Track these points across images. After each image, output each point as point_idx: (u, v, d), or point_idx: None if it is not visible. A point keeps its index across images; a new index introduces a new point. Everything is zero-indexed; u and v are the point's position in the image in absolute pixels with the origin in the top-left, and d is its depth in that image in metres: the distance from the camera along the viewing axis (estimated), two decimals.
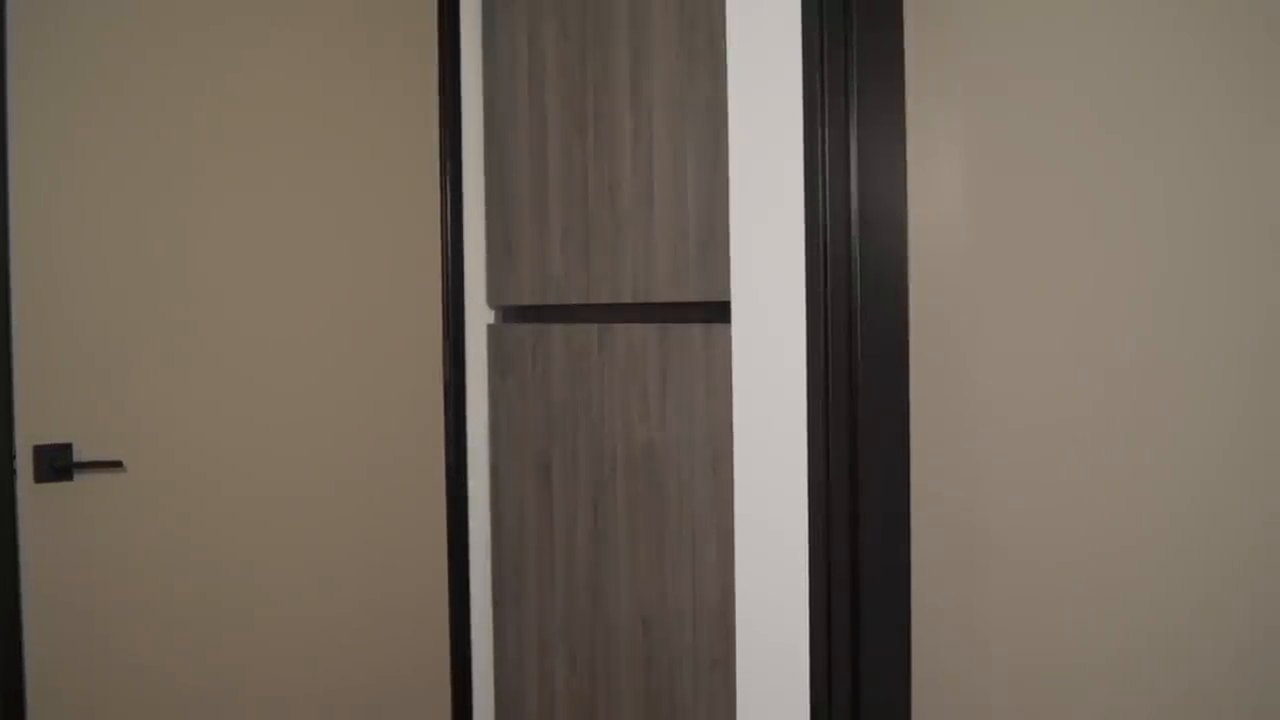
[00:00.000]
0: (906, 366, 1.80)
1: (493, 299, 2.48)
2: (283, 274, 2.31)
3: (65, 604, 2.07)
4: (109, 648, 2.11)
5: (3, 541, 1.98)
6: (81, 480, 2.09)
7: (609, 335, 2.19)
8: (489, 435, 2.51)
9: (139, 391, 2.14)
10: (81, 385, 2.08)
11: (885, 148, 1.78)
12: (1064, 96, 2.00)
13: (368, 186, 2.41)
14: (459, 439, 2.50)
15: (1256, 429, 1.90)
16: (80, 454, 2.09)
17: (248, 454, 2.27)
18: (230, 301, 2.25)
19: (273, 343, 2.30)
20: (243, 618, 2.26)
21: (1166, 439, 1.95)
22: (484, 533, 2.53)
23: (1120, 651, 1.99)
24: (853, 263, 1.75)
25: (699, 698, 2.02)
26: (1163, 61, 1.94)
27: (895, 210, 1.79)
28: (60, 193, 2.07)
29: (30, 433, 2.04)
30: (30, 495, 2.03)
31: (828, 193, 1.74)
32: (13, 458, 2.00)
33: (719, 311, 2.01)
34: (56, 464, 2.05)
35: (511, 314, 2.49)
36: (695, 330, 2.01)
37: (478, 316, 2.52)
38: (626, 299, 2.15)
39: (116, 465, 2.10)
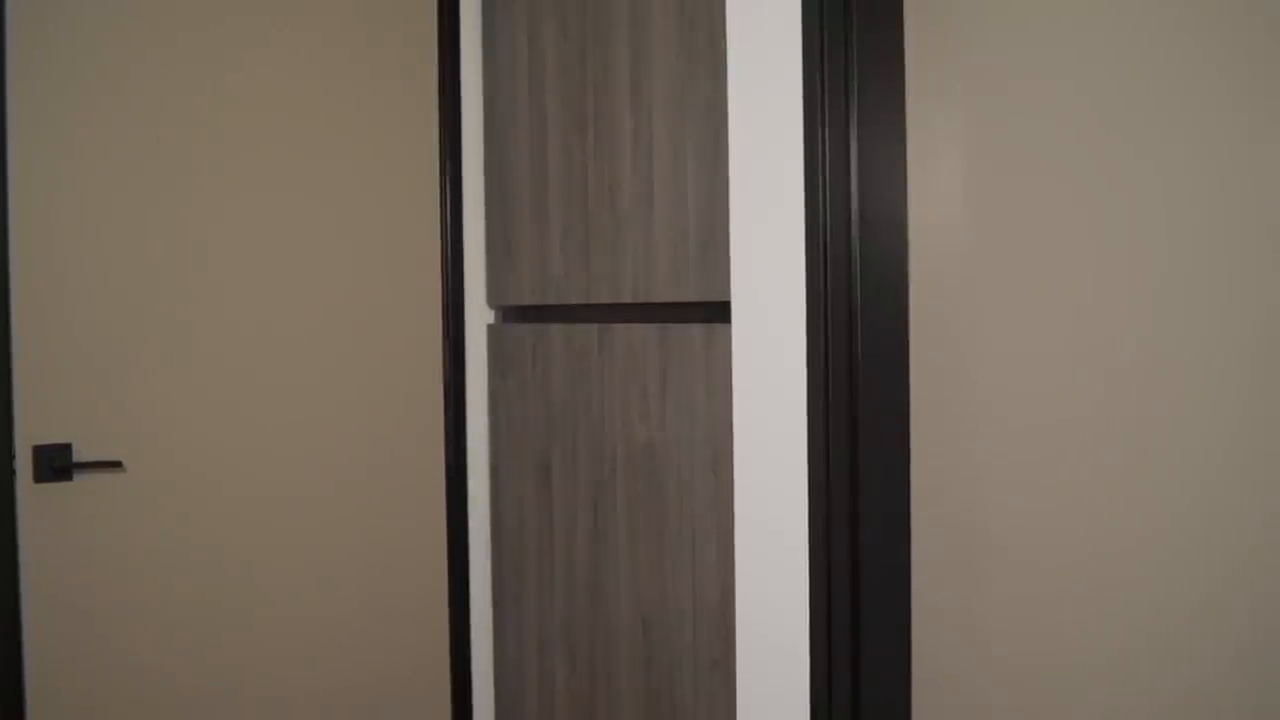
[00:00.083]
0: (906, 366, 1.80)
1: (493, 299, 2.48)
2: (282, 274, 2.31)
3: (65, 604, 2.07)
4: (108, 648, 2.11)
5: (2, 542, 1.98)
6: (81, 480, 2.08)
7: (609, 335, 2.19)
8: (489, 435, 2.51)
9: (138, 392, 2.14)
10: (81, 385, 2.08)
11: (885, 148, 1.78)
12: (1064, 96, 2.00)
13: (368, 186, 2.41)
14: (459, 439, 2.50)
15: (1256, 429, 1.90)
16: (80, 454, 2.09)
17: (248, 454, 2.27)
18: (230, 301, 2.24)
19: (272, 342, 2.29)
20: (243, 618, 2.26)
21: (1166, 439, 1.95)
22: (484, 533, 2.53)
23: (1120, 651, 1.99)
24: (853, 263, 1.75)
25: (699, 698, 2.02)
26: (1163, 61, 1.94)
27: (895, 210, 1.79)
28: (60, 193, 2.07)
29: (30, 433, 2.03)
30: (30, 495, 2.03)
31: (828, 193, 1.74)
32: (12, 458, 2.00)
33: (719, 311, 2.01)
34: (56, 464, 2.05)
35: (511, 314, 2.49)
36: (695, 330, 2.01)
37: (478, 316, 2.52)
38: (626, 299, 2.14)
39: (116, 465, 2.10)
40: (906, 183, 1.80)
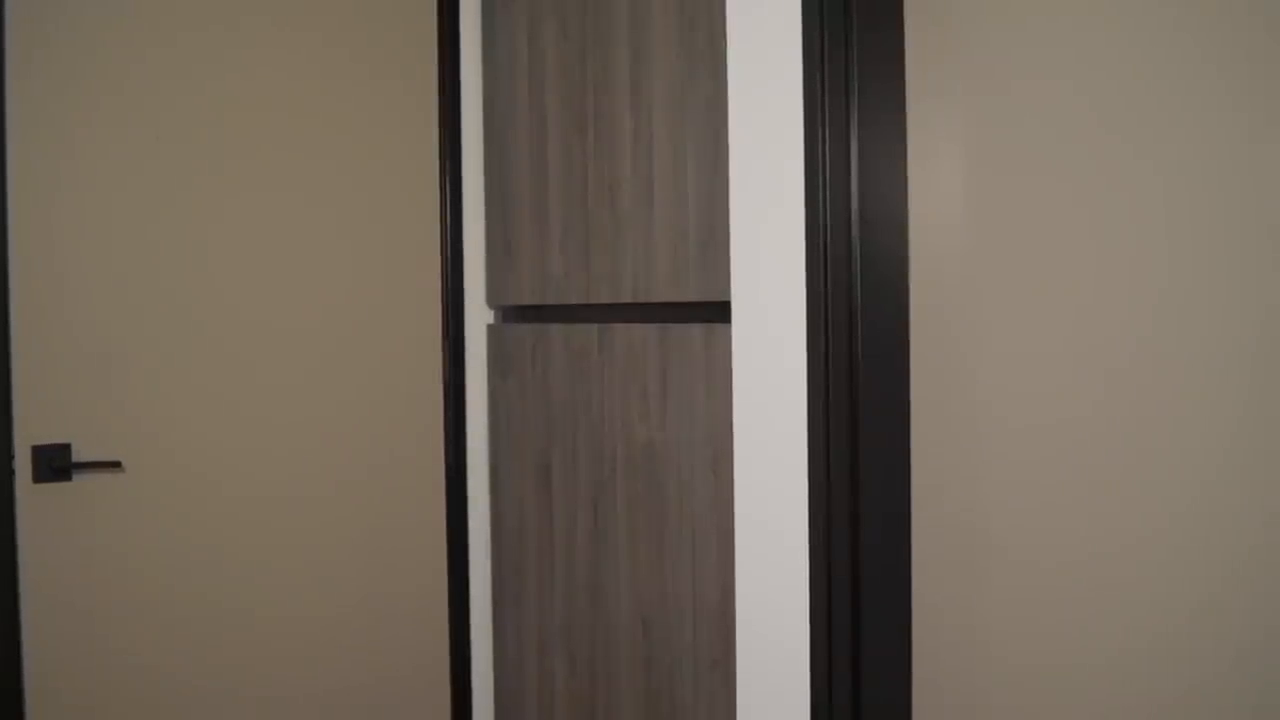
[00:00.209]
0: (907, 366, 1.80)
1: (492, 299, 2.48)
2: (282, 273, 2.30)
3: (64, 604, 2.06)
4: (108, 648, 2.11)
5: (1, 542, 1.98)
6: (80, 480, 2.08)
7: (609, 335, 2.19)
8: (489, 435, 2.51)
9: (138, 392, 2.14)
10: (80, 385, 2.08)
11: (886, 148, 1.78)
12: (1064, 96, 2.00)
13: (367, 186, 2.41)
14: (459, 439, 2.49)
15: (1256, 429, 1.90)
16: (79, 454, 2.08)
17: (247, 454, 2.26)
18: (230, 301, 2.24)
19: (272, 342, 2.29)
20: (242, 618, 2.26)
21: (1166, 439, 1.95)
22: (484, 533, 2.53)
23: (1120, 651, 1.99)
24: (853, 263, 1.75)
25: (699, 698, 2.02)
26: (1163, 61, 1.94)
27: (896, 210, 1.79)
28: (59, 193, 2.07)
29: (29, 433, 2.03)
30: (29, 496, 2.03)
31: (828, 193, 1.74)
32: (11, 458, 2.00)
33: (719, 311, 2.01)
34: (55, 464, 2.04)
35: (511, 314, 2.49)
36: (695, 330, 2.00)
37: (477, 316, 2.52)
38: (626, 299, 2.14)
39: (115, 466, 2.10)
40: (907, 183, 1.80)
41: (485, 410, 2.52)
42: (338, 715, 2.38)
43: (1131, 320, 1.97)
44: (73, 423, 2.08)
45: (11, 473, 2.00)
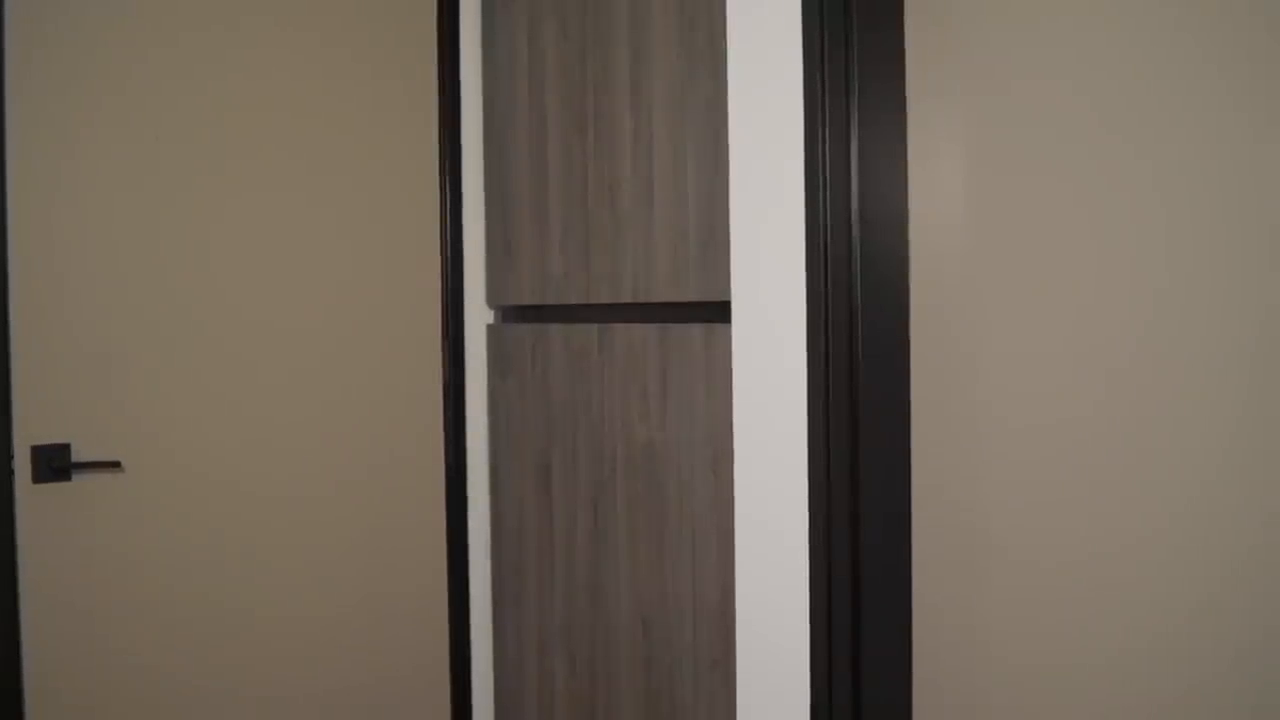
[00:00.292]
0: (907, 366, 1.80)
1: (492, 299, 2.48)
2: (282, 273, 2.30)
3: (63, 604, 2.06)
4: (107, 648, 2.11)
5: (1, 542, 1.98)
6: (80, 480, 2.08)
7: (609, 335, 2.19)
8: (489, 435, 2.51)
9: (137, 392, 2.14)
10: (80, 385, 2.08)
11: (886, 147, 1.78)
12: (1064, 96, 2.00)
13: (367, 186, 2.41)
14: (459, 439, 2.49)
15: (1256, 429, 1.90)
16: (78, 454, 2.08)
17: (247, 454, 2.26)
18: (229, 301, 2.24)
19: (272, 342, 2.29)
20: (242, 618, 2.26)
21: (1166, 439, 1.95)
22: (484, 533, 2.53)
23: (1120, 651, 1.99)
24: (853, 262, 1.75)
25: (699, 698, 2.02)
26: (1163, 62, 1.94)
27: (896, 210, 1.79)
28: (59, 193, 2.07)
29: (28, 433, 2.03)
30: (28, 496, 2.03)
31: (828, 192, 1.74)
32: (11, 458, 2.00)
33: (719, 311, 2.01)
34: (55, 464, 2.04)
35: (511, 314, 2.49)
36: (695, 330, 2.00)
37: (477, 316, 2.52)
38: (626, 299, 2.14)
39: (115, 466, 2.10)
40: (907, 183, 1.80)
41: (485, 410, 2.52)
42: (338, 715, 2.38)
43: (1131, 320, 1.97)
44: (72, 423, 2.07)
45: (11, 473, 2.00)
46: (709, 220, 1.97)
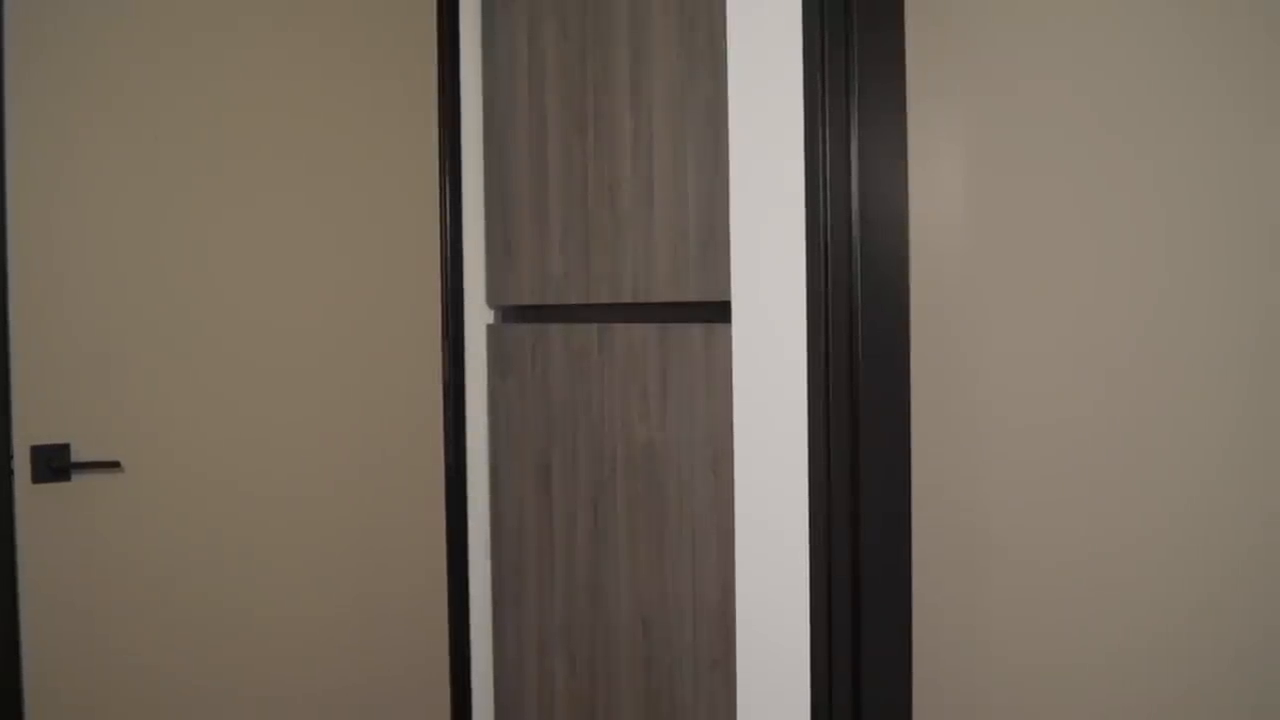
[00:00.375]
0: (907, 366, 1.80)
1: (492, 299, 2.48)
2: (282, 274, 2.30)
3: (63, 605, 2.06)
4: (106, 648, 2.11)
5: (0, 542, 1.98)
6: (79, 481, 2.08)
7: (609, 335, 2.18)
8: (489, 435, 2.51)
9: (137, 392, 2.14)
10: (79, 386, 2.08)
11: (886, 147, 1.78)
12: (1065, 96, 2.00)
13: (367, 186, 2.41)
14: (459, 439, 2.49)
15: (1256, 429, 1.90)
16: (78, 454, 2.08)
17: (247, 454, 2.26)
18: (229, 301, 2.24)
19: (271, 343, 2.29)
20: (242, 618, 2.26)
21: (1166, 439, 1.95)
22: (484, 533, 2.53)
23: (1120, 651, 1.99)
24: (853, 262, 1.75)
25: (699, 698, 2.02)
26: (1163, 62, 1.94)
27: (896, 210, 1.79)
28: (58, 193, 2.07)
29: (28, 433, 2.03)
30: (28, 496, 2.02)
31: (828, 192, 1.74)
32: (10, 458, 2.00)
33: (719, 311, 2.01)
34: (54, 464, 2.04)
35: (511, 314, 2.49)
36: (695, 330, 2.00)
37: (477, 316, 2.52)
38: (626, 299, 2.14)
39: (114, 466, 2.10)
40: (907, 183, 1.80)
41: (485, 410, 2.52)
42: (337, 715, 2.38)
43: (1131, 320, 1.98)
44: (72, 423, 2.07)
45: (10, 473, 2.00)
46: (709, 220, 1.97)
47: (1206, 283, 1.93)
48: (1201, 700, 1.94)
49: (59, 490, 2.06)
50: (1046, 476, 2.03)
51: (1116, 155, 1.98)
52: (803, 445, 1.79)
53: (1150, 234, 1.96)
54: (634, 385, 2.13)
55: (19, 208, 2.02)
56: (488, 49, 2.48)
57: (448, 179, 2.48)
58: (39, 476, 2.03)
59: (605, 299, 2.19)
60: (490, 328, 2.49)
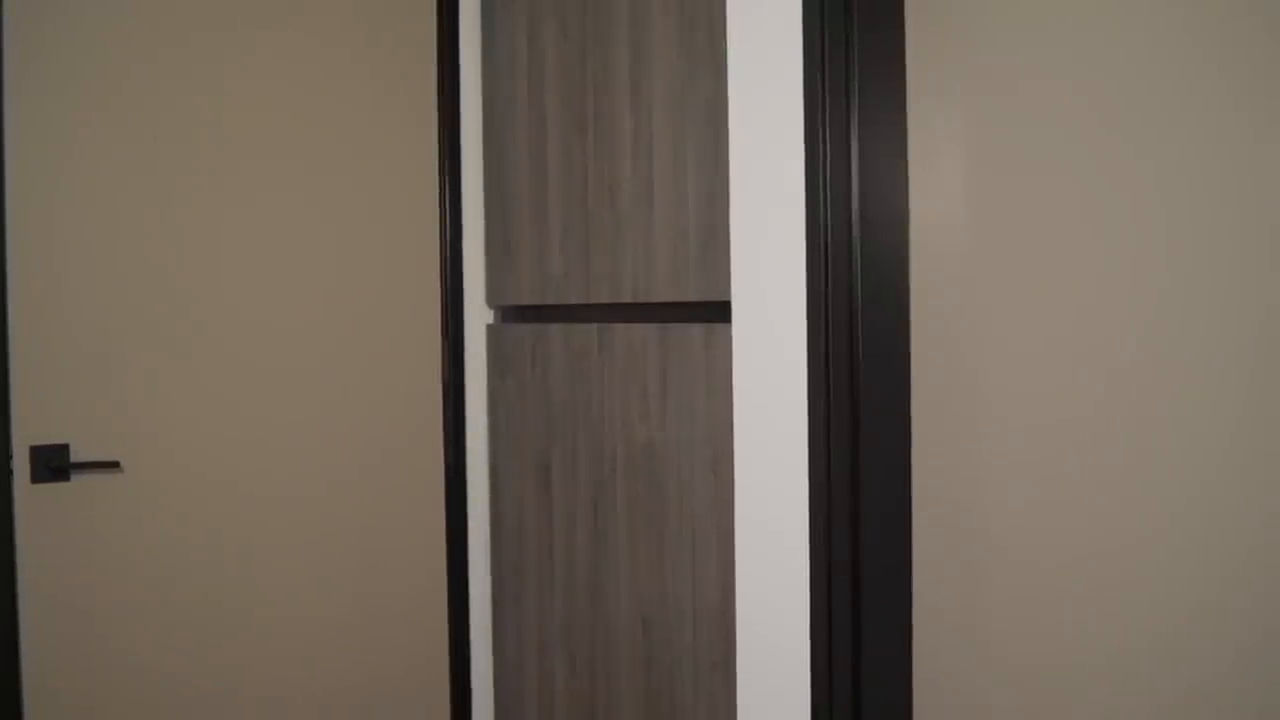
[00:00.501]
0: (908, 366, 1.80)
1: (492, 299, 2.48)
2: (281, 274, 2.30)
3: (62, 605, 2.06)
4: (106, 648, 2.11)
5: (0, 543, 1.98)
6: (79, 481, 2.08)
7: (609, 335, 2.18)
8: (489, 435, 2.51)
9: (136, 392, 2.14)
10: (79, 386, 2.08)
11: (886, 147, 1.77)
12: (1065, 96, 2.00)
13: (367, 187, 2.41)
14: (458, 439, 2.49)
15: (1256, 429, 1.90)
16: (77, 454, 2.08)
17: (246, 454, 2.26)
18: (229, 301, 2.24)
19: (271, 342, 2.29)
20: (241, 618, 2.26)
21: (1166, 439, 1.95)
22: (483, 533, 2.52)
23: (1120, 651, 1.99)
24: (854, 262, 1.75)
25: (699, 698, 2.02)
26: (1163, 62, 1.94)
27: (896, 210, 1.79)
28: (58, 193, 2.07)
29: (27, 433, 2.03)
30: (27, 496, 2.02)
31: (829, 192, 1.74)
32: (9, 458, 2.00)
33: (719, 311, 2.01)
34: (53, 464, 2.04)
35: (511, 314, 2.49)
36: (695, 330, 2.00)
37: (477, 316, 2.52)
38: (626, 299, 2.14)
39: (114, 466, 2.09)
40: (907, 183, 1.80)
41: (485, 410, 2.52)
42: (337, 715, 2.37)
43: (1131, 320, 1.98)
44: (71, 423, 2.07)
45: (10, 473, 1.99)
46: (709, 220, 1.97)
47: (1206, 283, 1.93)
48: (1201, 700, 1.94)
49: (58, 490, 2.06)
50: (1046, 476, 2.03)
51: (1116, 155, 1.98)
52: (803, 445, 1.79)
53: (1150, 234, 1.96)
54: (634, 385, 2.13)
55: (18, 208, 2.02)
56: (488, 49, 2.48)
57: (447, 179, 2.48)
58: (38, 477, 2.03)
59: (605, 299, 2.19)
60: (490, 328, 2.49)
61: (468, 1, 2.50)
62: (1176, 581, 1.95)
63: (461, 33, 2.50)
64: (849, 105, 1.75)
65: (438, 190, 2.49)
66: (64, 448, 2.06)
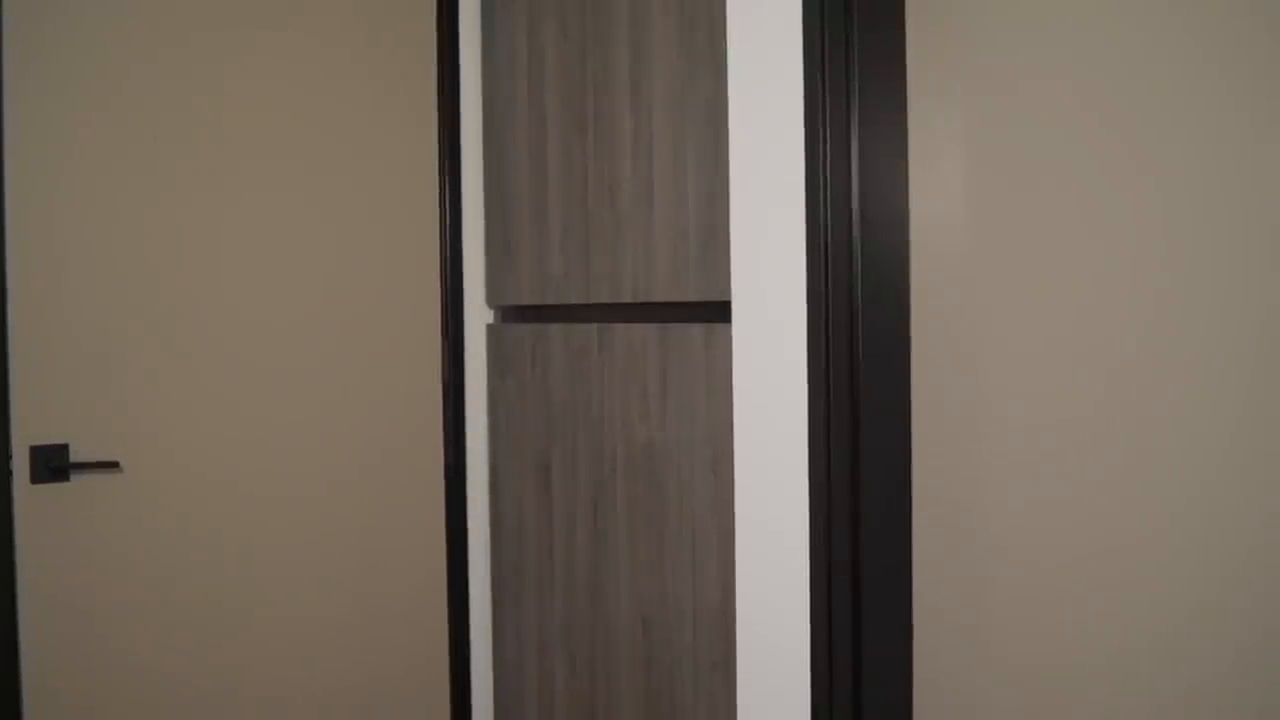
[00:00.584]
0: (908, 366, 1.80)
1: (492, 299, 2.48)
2: (281, 274, 2.30)
3: (62, 605, 2.06)
4: (106, 648, 2.11)
5: None
6: (78, 481, 2.08)
7: (609, 335, 2.18)
8: (488, 435, 2.51)
9: (136, 392, 2.14)
10: (78, 386, 2.08)
11: (886, 147, 1.78)
12: (1064, 96, 2.00)
13: (367, 187, 2.41)
14: (458, 439, 2.49)
15: (1256, 429, 1.90)
16: (77, 454, 2.08)
17: (246, 454, 2.26)
18: (229, 301, 2.24)
19: (271, 342, 2.29)
20: (241, 618, 2.26)
21: (1166, 439, 1.95)
22: (483, 533, 2.52)
23: (1120, 651, 1.99)
24: (854, 262, 1.75)
25: (699, 699, 2.02)
26: (1163, 62, 1.94)
27: (896, 210, 1.79)
28: (57, 193, 2.07)
29: (27, 433, 2.03)
30: (26, 496, 2.02)
31: (829, 192, 1.74)
32: (9, 458, 2.00)
33: (719, 311, 2.01)
34: (53, 465, 2.04)
35: (511, 314, 2.49)
36: (695, 330, 2.00)
37: (477, 316, 2.52)
38: (626, 299, 2.14)
39: (113, 466, 2.09)
40: (907, 183, 1.80)
41: (485, 410, 2.52)
42: (337, 715, 2.37)
43: (1131, 320, 1.98)
44: (71, 423, 2.07)
45: (9, 473, 1.99)
46: (709, 220, 1.97)
47: (1206, 283, 1.93)
48: (1201, 700, 1.94)
49: (58, 490, 2.06)
50: (1046, 476, 2.03)
51: (1116, 155, 1.98)
52: (803, 445, 1.79)
53: (1150, 234, 1.96)
54: (634, 385, 2.13)
55: (18, 208, 2.02)
56: (487, 49, 2.48)
57: (447, 179, 2.48)
58: (38, 477, 2.03)
59: (605, 299, 2.19)
60: (490, 328, 2.49)
61: (468, 1, 2.50)
62: (1176, 581, 1.95)
63: (461, 33, 2.50)
64: (849, 105, 1.75)
65: (438, 190, 2.49)
66: (64, 448, 2.06)
